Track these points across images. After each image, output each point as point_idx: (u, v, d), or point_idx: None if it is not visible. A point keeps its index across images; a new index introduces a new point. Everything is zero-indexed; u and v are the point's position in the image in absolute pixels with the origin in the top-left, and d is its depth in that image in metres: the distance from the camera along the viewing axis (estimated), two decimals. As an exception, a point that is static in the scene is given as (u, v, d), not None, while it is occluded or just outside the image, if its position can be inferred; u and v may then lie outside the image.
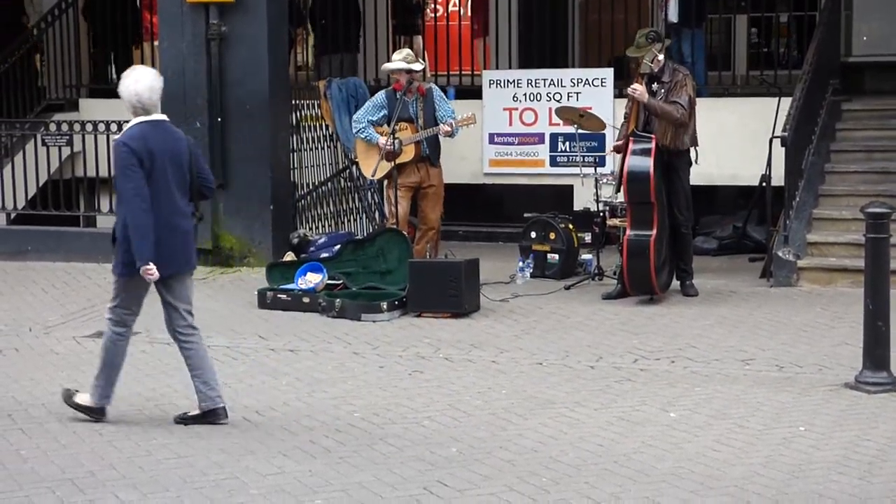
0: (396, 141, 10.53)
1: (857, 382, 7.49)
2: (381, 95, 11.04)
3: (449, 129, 10.67)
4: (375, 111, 10.89)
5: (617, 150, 10.47)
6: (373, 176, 11.12)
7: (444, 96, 11.16)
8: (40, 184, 13.01)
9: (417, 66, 10.79)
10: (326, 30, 14.56)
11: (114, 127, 12.26)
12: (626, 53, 10.79)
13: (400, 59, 10.82)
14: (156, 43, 13.38)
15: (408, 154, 10.71)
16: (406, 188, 10.77)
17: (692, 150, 10.28)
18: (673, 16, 13.24)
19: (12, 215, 13.08)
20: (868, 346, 7.52)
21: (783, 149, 10.73)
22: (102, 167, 12.30)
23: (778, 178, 11.11)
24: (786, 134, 10.75)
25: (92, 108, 14.18)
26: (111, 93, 14.27)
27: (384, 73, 11.81)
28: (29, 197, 12.99)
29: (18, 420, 7.13)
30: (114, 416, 7.14)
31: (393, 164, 10.57)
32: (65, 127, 12.86)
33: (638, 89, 9.95)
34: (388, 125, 10.66)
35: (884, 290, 7.50)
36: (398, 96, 10.73)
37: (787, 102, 11.39)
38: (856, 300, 8.29)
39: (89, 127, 12.54)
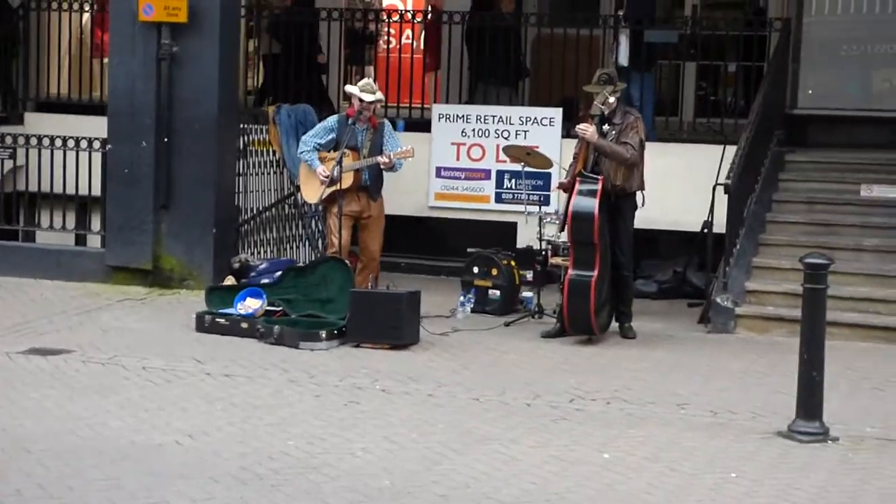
0: (336, 167, 10.48)
1: (790, 431, 7.53)
2: (332, 119, 11.01)
3: (387, 160, 10.58)
4: (325, 134, 10.84)
5: (563, 188, 10.45)
6: (316, 201, 11.08)
7: (395, 132, 11.10)
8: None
9: (368, 97, 10.66)
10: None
11: (58, 142, 12.21)
12: (583, 89, 10.86)
13: (357, 86, 10.80)
14: (105, 60, 13.30)
15: (346, 181, 10.62)
16: (347, 217, 10.71)
17: (639, 193, 10.37)
18: (623, 59, 13.30)
19: (-51, 227, 12.87)
20: (802, 396, 7.57)
21: (726, 196, 10.84)
22: (45, 181, 12.20)
23: (720, 225, 11.20)
24: (729, 182, 10.86)
25: (37, 123, 14.07)
26: (57, 107, 14.44)
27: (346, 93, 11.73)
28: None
29: (-55, 434, 7.03)
30: (43, 434, 7.05)
31: (337, 187, 10.51)
32: (8, 140, 12.70)
33: (587, 129, 10.01)
34: (336, 150, 10.64)
35: (819, 341, 7.56)
36: (349, 122, 10.71)
37: (731, 151, 11.49)
38: (791, 349, 8.35)
39: (34, 141, 12.41)
